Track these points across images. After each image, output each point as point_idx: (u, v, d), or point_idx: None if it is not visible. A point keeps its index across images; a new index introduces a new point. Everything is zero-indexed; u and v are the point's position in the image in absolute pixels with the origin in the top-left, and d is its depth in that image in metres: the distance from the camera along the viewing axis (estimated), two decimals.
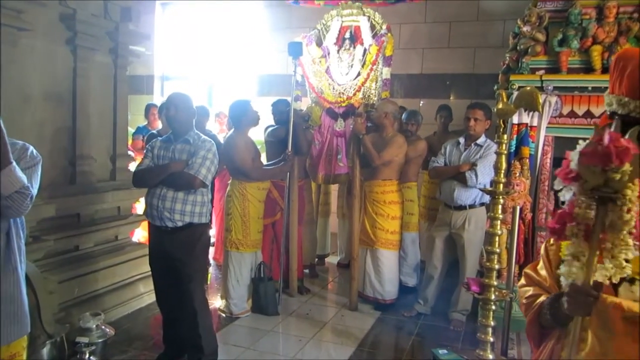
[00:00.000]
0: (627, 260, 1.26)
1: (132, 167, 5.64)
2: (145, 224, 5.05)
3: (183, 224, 3.20)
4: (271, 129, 4.82)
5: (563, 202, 4.32)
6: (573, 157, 1.28)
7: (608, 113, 1.54)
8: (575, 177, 1.28)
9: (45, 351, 3.11)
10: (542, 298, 1.50)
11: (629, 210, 1.23)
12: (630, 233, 1.24)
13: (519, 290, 1.64)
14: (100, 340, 3.27)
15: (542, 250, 1.60)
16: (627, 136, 1.25)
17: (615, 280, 1.26)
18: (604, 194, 1.24)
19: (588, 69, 3.92)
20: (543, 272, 1.55)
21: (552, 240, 1.56)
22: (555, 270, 1.48)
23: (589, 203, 1.27)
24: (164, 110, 5.08)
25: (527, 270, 1.63)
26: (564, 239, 1.35)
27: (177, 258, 3.22)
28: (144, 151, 3.39)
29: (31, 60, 3.71)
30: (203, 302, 3.38)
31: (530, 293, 1.56)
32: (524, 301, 1.56)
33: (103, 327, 3.37)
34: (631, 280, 1.30)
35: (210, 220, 3.91)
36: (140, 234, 5.20)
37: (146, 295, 4.47)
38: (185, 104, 3.29)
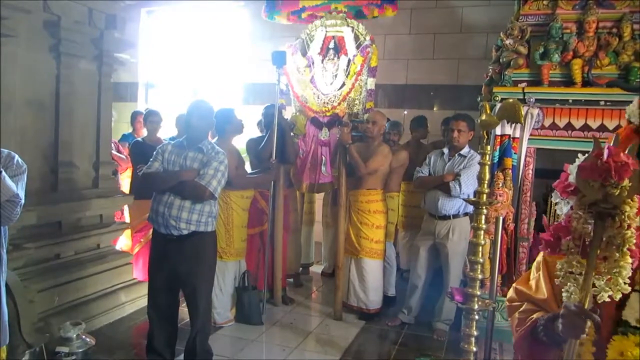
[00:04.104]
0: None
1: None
2: (128, 232, 5.02)
3: (188, 232, 3.17)
4: (253, 141, 4.81)
5: (544, 212, 4.32)
6: (572, 170, 1.25)
7: (637, 125, 1.49)
8: (574, 190, 1.25)
9: None
10: (537, 314, 1.45)
11: (628, 227, 1.19)
12: (629, 250, 1.20)
13: (509, 305, 1.59)
14: (80, 350, 3.23)
15: (540, 264, 1.55)
16: (626, 151, 1.22)
17: (615, 298, 1.23)
18: (602, 209, 1.20)
19: (569, 82, 3.98)
20: (539, 284, 1.50)
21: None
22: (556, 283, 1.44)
23: (586, 218, 1.23)
24: (149, 117, 5.06)
25: (518, 285, 1.59)
26: (559, 253, 1.30)
27: (184, 267, 3.20)
28: (155, 154, 3.32)
29: (14, 67, 3.67)
30: (207, 311, 3.37)
31: (523, 308, 1.51)
32: (517, 316, 1.51)
33: (83, 336, 3.32)
34: None
35: None
36: (124, 242, 5.16)
37: (128, 304, 4.43)
38: (208, 113, 3.31)
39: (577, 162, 1.25)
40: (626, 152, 1.24)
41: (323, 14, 4.84)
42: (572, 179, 1.25)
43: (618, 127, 3.61)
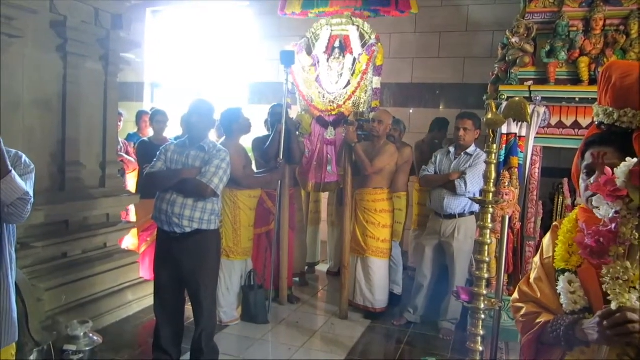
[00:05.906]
0: None
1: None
2: (134, 231, 5.04)
3: (191, 230, 3.18)
4: (258, 140, 4.81)
5: (550, 211, 4.29)
6: (619, 174, 1.21)
7: (596, 123, 1.55)
8: (621, 195, 1.22)
9: (32, 359, 3.07)
10: (543, 318, 1.44)
11: None
12: None
13: (512, 306, 1.60)
14: (87, 348, 3.24)
15: (537, 264, 1.57)
16: None
17: None
18: None
19: (575, 80, 3.96)
20: (541, 286, 1.51)
21: (545, 253, 1.54)
22: (555, 284, 1.45)
23: (634, 223, 1.21)
24: (156, 116, 5.07)
25: (522, 286, 1.59)
26: (603, 260, 1.27)
27: (187, 265, 3.21)
28: (158, 154, 3.34)
29: (21, 67, 3.69)
30: (211, 309, 3.38)
31: (525, 311, 1.52)
32: (521, 319, 1.52)
33: (91, 335, 3.34)
34: None
35: None
36: (130, 241, 5.18)
37: (135, 303, 4.45)
38: (208, 112, 3.33)
39: (624, 165, 1.21)
40: None
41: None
42: (619, 183, 1.21)
43: None
